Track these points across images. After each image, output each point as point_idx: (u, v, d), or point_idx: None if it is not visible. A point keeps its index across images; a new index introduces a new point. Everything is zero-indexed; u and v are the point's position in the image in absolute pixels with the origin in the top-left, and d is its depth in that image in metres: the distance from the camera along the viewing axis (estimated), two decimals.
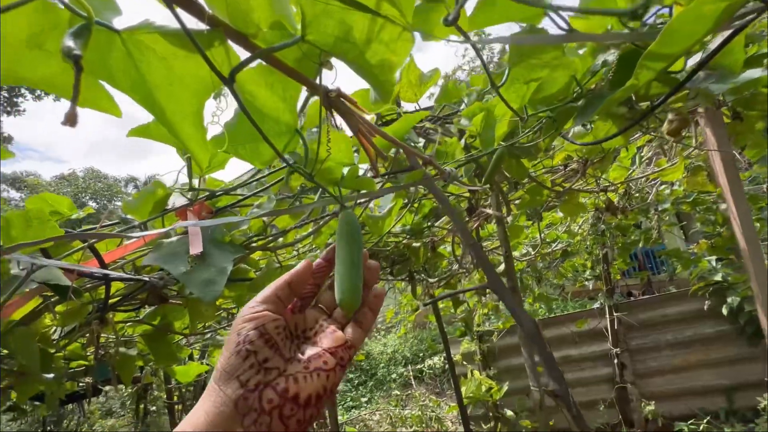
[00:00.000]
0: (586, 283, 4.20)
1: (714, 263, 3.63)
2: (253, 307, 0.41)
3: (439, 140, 0.97)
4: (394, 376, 10.01)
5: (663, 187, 3.04)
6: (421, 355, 9.94)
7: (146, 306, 1.06)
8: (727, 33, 0.60)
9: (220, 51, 0.33)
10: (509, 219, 2.35)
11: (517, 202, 1.92)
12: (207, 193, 0.87)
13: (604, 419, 4.04)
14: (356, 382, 10.45)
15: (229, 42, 0.33)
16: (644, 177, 1.98)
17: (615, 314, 4.02)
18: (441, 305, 4.49)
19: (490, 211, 1.52)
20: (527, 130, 0.78)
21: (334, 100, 0.45)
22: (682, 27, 0.40)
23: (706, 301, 3.84)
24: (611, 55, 0.57)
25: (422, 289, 2.61)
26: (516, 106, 0.64)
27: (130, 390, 4.65)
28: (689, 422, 3.62)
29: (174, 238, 0.80)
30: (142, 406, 4.47)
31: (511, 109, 0.61)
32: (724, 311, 3.69)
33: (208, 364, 1.45)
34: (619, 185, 2.04)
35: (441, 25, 0.41)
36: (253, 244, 0.95)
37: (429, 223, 1.73)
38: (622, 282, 11.25)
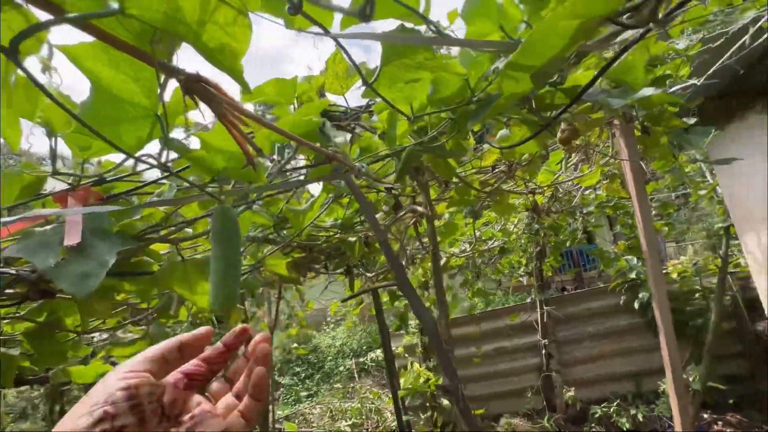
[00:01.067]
0: (521, 279, 4.47)
1: (636, 262, 4.00)
2: (132, 366, 0.35)
3: (361, 135, 0.97)
4: (341, 368, 10.03)
5: (588, 191, 3.29)
6: (368, 347, 10.05)
7: (29, 301, 0.96)
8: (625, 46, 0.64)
9: (16, 18, 0.28)
10: (446, 216, 2.42)
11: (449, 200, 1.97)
12: (95, 179, 0.79)
13: (530, 405, 4.33)
14: (303, 375, 10.34)
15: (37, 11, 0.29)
16: (568, 181, 2.12)
17: (545, 308, 4.31)
18: (384, 299, 4.55)
19: (419, 208, 1.55)
20: (433, 131, 0.80)
21: (194, 85, 0.42)
22: (541, 40, 0.42)
23: (622, 297, 4.24)
24: (502, 63, 0.59)
25: (361, 283, 2.61)
26: (403, 106, 0.64)
27: (40, 390, 4.23)
28: (602, 405, 3.99)
29: (48, 227, 0.72)
30: (57, 407, 4.09)
31: (391, 105, 0.61)
32: (636, 306, 4.09)
33: (113, 363, 1.35)
34: (545, 188, 2.17)
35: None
36: (154, 235, 0.88)
37: (361, 218, 1.73)
38: (558, 278, 12.12)
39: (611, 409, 3.89)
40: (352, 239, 1.97)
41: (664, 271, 4.20)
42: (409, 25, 0.47)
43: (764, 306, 2.80)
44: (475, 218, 2.25)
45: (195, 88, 0.42)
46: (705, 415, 3.66)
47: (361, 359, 8.60)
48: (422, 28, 0.48)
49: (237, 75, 0.37)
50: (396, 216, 1.47)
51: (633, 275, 4.11)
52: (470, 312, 4.33)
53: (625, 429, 3.70)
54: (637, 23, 0.50)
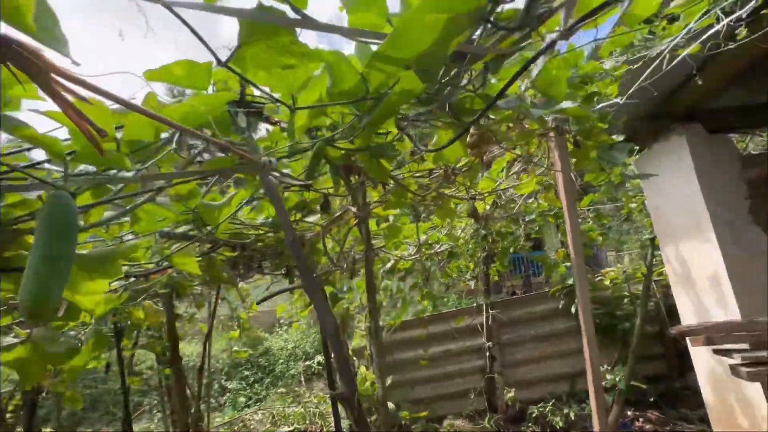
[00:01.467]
0: (470, 283, 4.58)
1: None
2: None
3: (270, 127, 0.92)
4: (293, 372, 9.77)
5: (531, 200, 3.44)
6: (321, 349, 9.87)
7: None
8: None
9: None
10: (391, 219, 2.41)
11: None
12: None
13: (474, 406, 4.44)
14: (252, 379, 9.96)
15: None
16: (508, 189, 2.20)
17: (490, 312, 4.45)
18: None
19: (353, 209, 1.52)
20: (343, 126, 0.77)
21: (6, 50, 0.36)
22: (407, 33, 0.40)
23: (561, 301, 4.47)
24: None
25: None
26: (285, 94, 0.61)
27: None
28: (539, 405, 4.17)
29: None
30: None
31: (257, 88, 0.58)
32: (573, 310, 4.33)
33: None
34: (486, 195, 2.22)
35: None
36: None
37: (298, 217, 1.67)
38: (510, 282, 12.57)
39: (547, 409, 4.07)
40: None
41: (598, 278, 4.48)
42: (271, 5, 0.43)
43: (680, 313, 3.06)
44: (417, 221, 2.27)
45: (8, 53, 0.36)
46: (629, 413, 3.93)
47: (308, 362, 8.41)
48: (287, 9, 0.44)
49: (30, 30, 0.31)
50: (325, 216, 1.43)
51: (570, 281, 4.35)
52: (419, 315, 4.38)
53: (558, 427, 3.89)
54: (520, 24, 0.49)
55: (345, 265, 2.15)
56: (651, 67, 1.59)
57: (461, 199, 2.08)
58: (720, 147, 2.76)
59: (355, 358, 4.65)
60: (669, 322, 4.24)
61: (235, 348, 9.09)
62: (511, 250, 3.84)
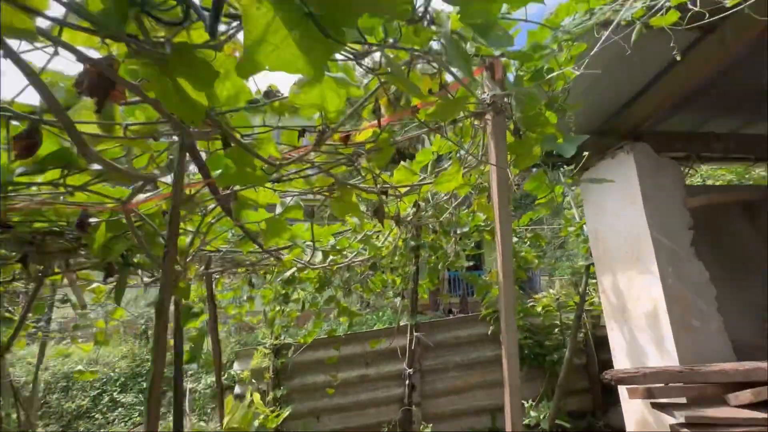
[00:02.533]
0: (396, 300, 4.06)
1: None
2: None
3: None
4: (201, 385, 8.59)
5: (465, 209, 3.00)
6: (228, 362, 8.80)
7: None
8: None
9: None
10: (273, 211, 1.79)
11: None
12: None
13: None
14: (164, 388, 8.61)
15: None
16: (424, 183, 1.69)
17: (415, 334, 3.95)
18: (232, 311, 3.72)
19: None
20: None
21: None
22: None
23: (491, 327, 4.10)
24: None
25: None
26: None
27: None
28: None
29: None
30: None
31: None
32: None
33: None
34: (401, 190, 1.70)
35: None
36: None
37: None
38: (447, 299, 12.31)
39: None
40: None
41: (530, 304, 4.18)
42: None
43: (611, 348, 2.75)
44: (311, 218, 1.68)
45: None
46: None
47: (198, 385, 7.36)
48: None
49: None
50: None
51: None
52: (330, 333, 3.75)
53: None
54: None
55: (185, 265, 1.48)
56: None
57: (365, 191, 1.54)
58: (667, 171, 2.52)
59: (254, 381, 3.90)
60: (597, 354, 4.04)
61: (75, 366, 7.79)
62: (443, 267, 3.38)
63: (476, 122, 1.58)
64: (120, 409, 8.40)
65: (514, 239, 3.41)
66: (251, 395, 3.40)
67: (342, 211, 1.56)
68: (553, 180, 2.22)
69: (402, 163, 1.63)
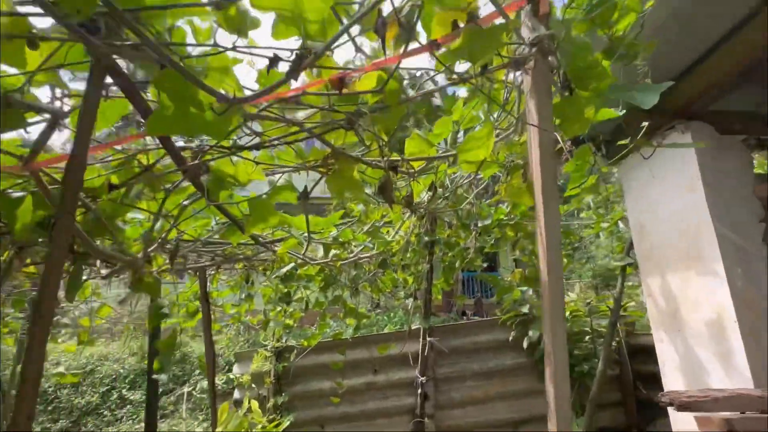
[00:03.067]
0: (407, 301, 3.73)
1: (531, 294, 3.50)
2: None
3: None
4: (198, 389, 8.41)
5: (488, 201, 2.66)
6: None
7: None
8: None
9: None
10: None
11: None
12: None
13: None
14: (161, 390, 8.48)
15: None
16: (446, 156, 1.36)
17: (428, 339, 3.61)
18: (230, 310, 3.45)
19: None
20: None
21: None
22: None
23: (512, 332, 3.73)
24: None
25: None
26: None
27: None
28: None
29: None
30: None
31: None
32: (525, 344, 3.59)
33: None
34: (412, 164, 1.37)
35: None
36: None
37: None
38: (462, 301, 11.91)
39: None
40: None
41: None
42: None
43: (660, 363, 2.36)
44: (305, 198, 1.37)
45: None
46: None
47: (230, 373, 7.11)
48: None
49: None
50: None
51: (525, 309, 3.63)
52: (336, 336, 3.44)
53: None
54: None
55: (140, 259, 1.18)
56: None
57: (372, 167, 1.22)
58: (731, 154, 2.12)
59: (254, 386, 3.62)
60: (630, 364, 3.62)
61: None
62: (460, 265, 3.04)
63: (511, 77, 1.24)
64: (128, 406, 8.31)
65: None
66: (249, 402, 3.12)
67: (340, 190, 1.23)
68: (597, 161, 1.86)
69: (415, 131, 1.30)
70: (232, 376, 3.80)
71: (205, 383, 6.73)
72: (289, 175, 1.48)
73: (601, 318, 3.55)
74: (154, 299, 1.41)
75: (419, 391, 3.58)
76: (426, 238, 3.01)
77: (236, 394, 3.67)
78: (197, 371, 8.85)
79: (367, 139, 1.21)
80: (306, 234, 1.97)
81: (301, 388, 3.66)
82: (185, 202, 1.34)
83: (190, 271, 2.93)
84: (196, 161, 1.11)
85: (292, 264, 2.24)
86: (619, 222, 3.36)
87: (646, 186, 2.41)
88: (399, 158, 1.26)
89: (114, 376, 9.20)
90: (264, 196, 1.43)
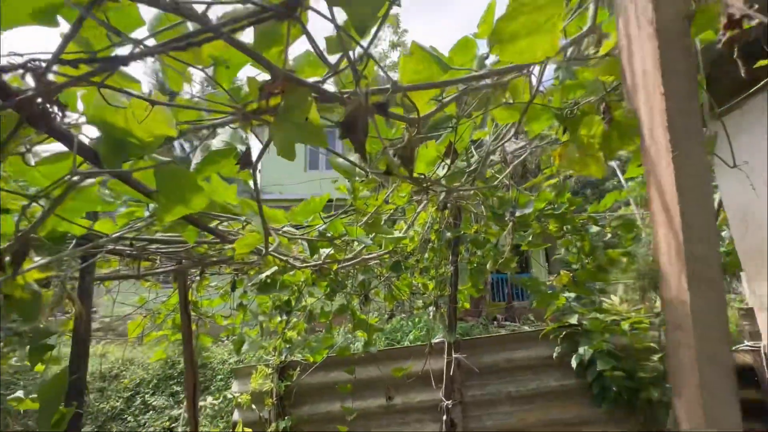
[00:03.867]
0: (429, 310, 3.16)
1: (573, 302, 2.86)
2: None
3: None
4: (228, 394, 8.15)
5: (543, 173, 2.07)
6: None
7: None
8: None
9: None
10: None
11: None
12: None
13: None
14: (182, 396, 8.29)
15: None
16: (474, 78, 0.80)
17: (454, 355, 3.03)
18: (225, 321, 3.02)
19: None
20: None
21: None
22: None
23: (557, 348, 3.09)
24: None
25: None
26: None
27: None
28: None
29: None
30: None
31: None
32: (574, 363, 2.94)
33: None
34: (418, 103, 0.83)
35: None
36: None
37: None
38: (495, 309, 11.14)
39: None
40: None
41: (613, 318, 3.09)
42: None
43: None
44: (248, 166, 0.86)
45: None
46: None
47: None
48: None
49: None
50: None
51: (574, 320, 2.98)
52: (342, 353, 2.92)
53: None
54: None
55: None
56: None
57: (343, 102, 0.70)
58: None
59: (253, 406, 3.17)
60: None
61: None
62: (492, 266, 2.47)
63: None
64: (151, 412, 8.17)
65: (594, 228, 2.41)
66: (242, 428, 2.67)
67: (287, 142, 0.72)
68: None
69: (416, 43, 0.76)
70: (229, 395, 3.38)
71: (227, 392, 6.37)
72: (235, 135, 0.98)
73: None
74: (31, 323, 0.95)
75: (444, 417, 3.01)
76: (448, 234, 2.45)
77: (235, 416, 3.23)
78: (219, 376, 8.61)
79: (329, 50, 0.68)
80: (284, 227, 1.47)
81: (308, 411, 3.18)
82: (75, 178, 0.86)
83: (163, 276, 2.50)
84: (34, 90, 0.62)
85: (274, 268, 1.75)
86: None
87: (751, 163, 1.74)
88: (387, 84, 0.72)
89: (138, 381, 9.11)
90: (195, 165, 0.94)
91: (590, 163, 1.13)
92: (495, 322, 11.33)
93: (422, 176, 1.04)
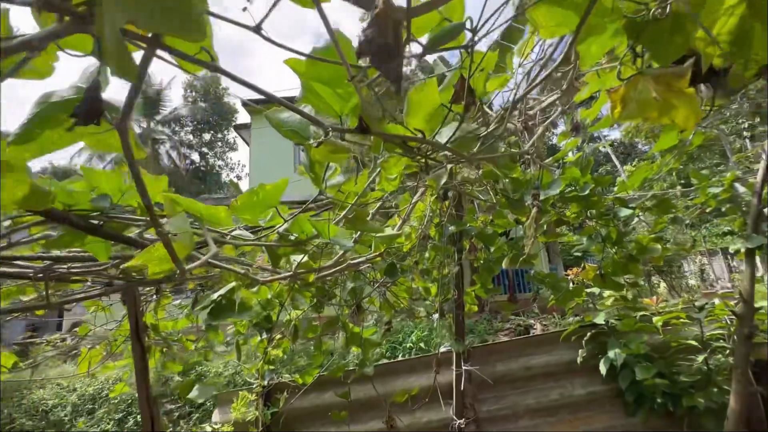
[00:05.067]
0: (433, 317, 2.75)
1: (600, 298, 2.46)
2: None
3: None
4: (207, 426, 7.68)
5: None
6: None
7: None
8: None
9: None
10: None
11: None
12: None
13: None
14: (176, 415, 7.86)
15: None
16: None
17: (464, 367, 2.63)
18: (192, 346, 2.60)
19: None
20: None
21: None
22: None
23: (581, 351, 2.69)
24: None
25: None
26: None
27: None
28: None
29: None
30: None
31: None
32: (602, 368, 2.55)
33: None
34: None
35: None
36: None
37: None
38: (490, 298, 10.76)
39: None
40: None
41: (642, 314, 2.70)
42: None
43: None
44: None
45: None
46: None
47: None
48: None
49: None
50: None
51: (600, 319, 2.59)
52: (335, 373, 2.50)
53: None
54: None
55: None
56: None
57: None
58: None
59: None
60: None
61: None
62: (504, 264, 2.07)
63: None
64: None
65: (625, 211, 2.02)
66: None
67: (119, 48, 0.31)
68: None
69: None
70: (209, 428, 2.95)
71: (206, 424, 5.91)
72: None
73: (717, 324, 2.46)
74: None
75: None
76: (451, 229, 2.04)
77: None
78: (200, 401, 8.14)
79: None
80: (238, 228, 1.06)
81: None
82: None
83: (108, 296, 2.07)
84: None
85: (232, 284, 1.33)
86: (736, 185, 2.28)
87: None
88: None
89: (129, 401, 8.61)
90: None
91: (679, 105, 0.72)
92: (499, 316, 10.95)
93: (418, 135, 0.63)
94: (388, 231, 1.61)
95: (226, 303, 1.36)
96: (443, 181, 1.46)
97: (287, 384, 2.78)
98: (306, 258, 1.37)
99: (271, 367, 2.60)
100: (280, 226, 1.06)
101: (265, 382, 2.59)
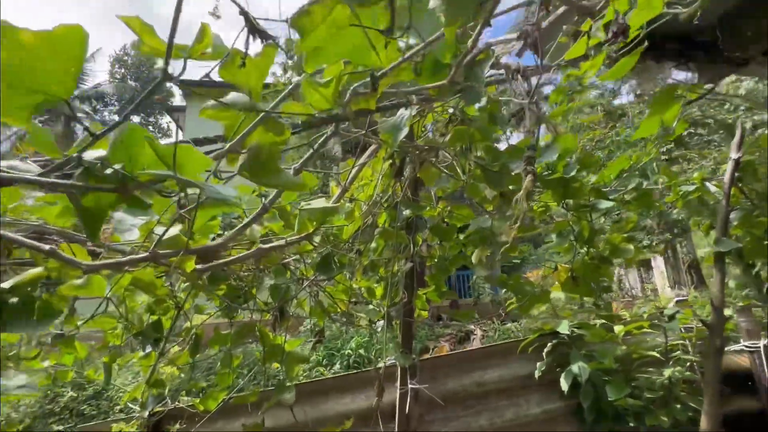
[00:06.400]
0: (375, 325, 2.28)
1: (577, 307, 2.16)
2: None
3: None
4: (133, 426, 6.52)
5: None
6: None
7: None
8: None
9: None
10: None
11: None
12: None
13: None
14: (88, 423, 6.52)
15: None
16: None
17: (410, 385, 2.19)
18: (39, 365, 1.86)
19: None
20: None
21: None
22: None
23: (539, 363, 2.39)
24: None
25: None
26: None
27: None
28: None
29: None
30: None
31: None
32: (564, 384, 2.26)
33: None
34: None
35: None
36: None
37: None
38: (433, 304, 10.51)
39: None
40: None
41: (602, 322, 2.46)
42: None
43: None
44: None
45: None
46: None
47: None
48: None
49: None
50: None
51: (564, 328, 2.30)
52: (246, 400, 1.93)
53: None
54: None
55: None
56: None
57: None
58: None
59: None
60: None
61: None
62: (503, 257, 1.66)
63: None
64: None
65: (605, 204, 1.73)
66: None
67: None
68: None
69: None
70: None
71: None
72: None
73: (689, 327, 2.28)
74: None
75: None
76: (406, 212, 1.60)
77: None
78: (118, 407, 6.92)
79: None
80: None
81: None
82: None
83: None
84: None
85: (34, 272, 0.75)
86: (707, 183, 2.12)
87: None
88: None
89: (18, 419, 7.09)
90: None
91: None
92: (440, 322, 10.81)
93: None
94: (321, 203, 1.11)
95: (23, 305, 0.76)
96: (402, 134, 1.00)
97: (185, 409, 2.13)
98: (177, 230, 0.83)
99: (159, 391, 1.95)
100: (86, 146, 0.52)
101: (146, 412, 1.93)
